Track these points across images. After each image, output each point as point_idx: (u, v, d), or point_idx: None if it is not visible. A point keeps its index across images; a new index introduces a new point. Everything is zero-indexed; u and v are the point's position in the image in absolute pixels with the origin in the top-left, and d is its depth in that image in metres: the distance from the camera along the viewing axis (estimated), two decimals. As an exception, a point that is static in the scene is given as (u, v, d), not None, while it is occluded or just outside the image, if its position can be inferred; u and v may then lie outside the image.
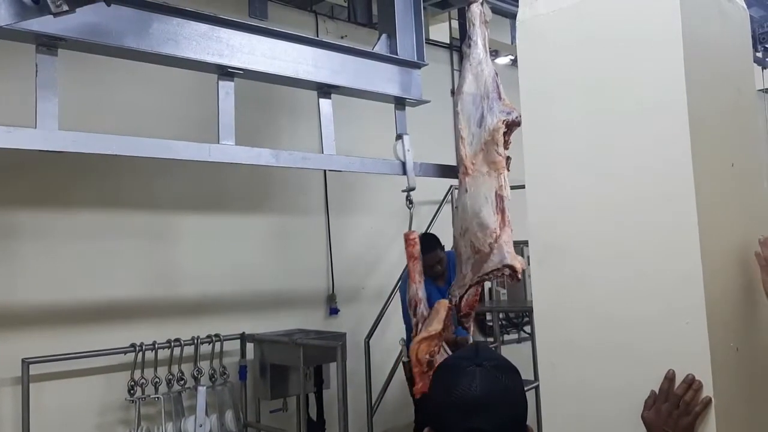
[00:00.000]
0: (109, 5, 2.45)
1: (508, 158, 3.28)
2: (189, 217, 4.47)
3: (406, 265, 3.52)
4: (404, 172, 3.64)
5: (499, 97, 3.30)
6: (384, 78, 3.66)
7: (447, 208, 5.67)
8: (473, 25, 3.44)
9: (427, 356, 3.15)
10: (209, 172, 4.36)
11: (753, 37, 6.52)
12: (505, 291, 5.82)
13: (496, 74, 3.37)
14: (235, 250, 4.65)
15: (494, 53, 7.19)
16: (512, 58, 6.33)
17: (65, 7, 2.19)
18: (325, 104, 3.50)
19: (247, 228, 4.75)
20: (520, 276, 3.20)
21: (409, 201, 3.61)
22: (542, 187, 1.87)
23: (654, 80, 1.65)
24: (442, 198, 5.48)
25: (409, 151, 3.63)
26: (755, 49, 6.72)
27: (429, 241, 4.42)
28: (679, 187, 1.58)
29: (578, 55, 1.80)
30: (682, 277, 1.58)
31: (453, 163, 3.71)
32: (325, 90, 3.49)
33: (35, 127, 2.53)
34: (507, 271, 3.20)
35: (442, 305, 3.37)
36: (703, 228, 1.56)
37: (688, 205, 1.57)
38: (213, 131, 3.04)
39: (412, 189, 3.62)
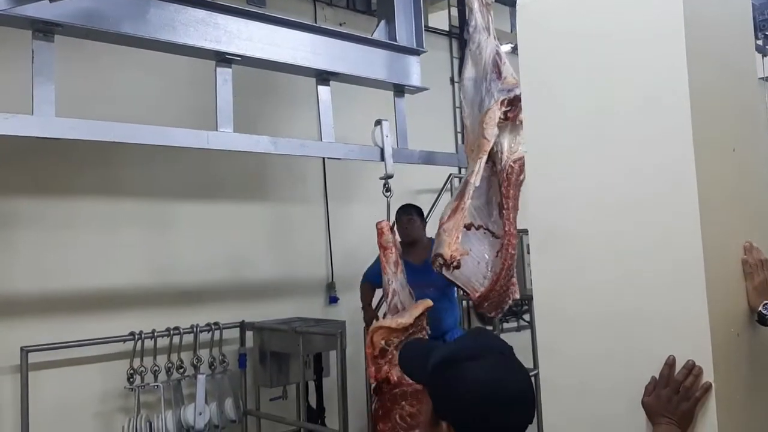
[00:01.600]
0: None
1: None
2: (188, 205, 4.46)
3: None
4: (382, 159, 3.53)
5: (499, 77, 3.22)
6: (383, 65, 3.65)
7: (447, 197, 5.66)
8: (471, 9, 3.40)
9: (383, 342, 3.08)
10: (208, 160, 4.35)
11: (753, 24, 6.47)
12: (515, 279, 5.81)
13: (498, 54, 3.29)
14: (234, 238, 4.64)
15: (496, 41, 7.12)
16: (512, 45, 6.30)
17: (61, -8, 2.17)
18: (324, 91, 3.49)
19: (246, 216, 4.73)
20: (455, 265, 3.03)
21: (387, 189, 3.50)
22: (542, 174, 1.86)
23: (656, 66, 1.63)
24: (441, 186, 5.46)
25: (387, 137, 3.50)
26: (755, 37, 6.69)
27: (406, 205, 4.41)
28: (681, 172, 1.57)
29: (580, 41, 1.78)
30: (683, 263, 1.56)
31: (452, 150, 3.70)
32: (323, 77, 3.47)
33: (32, 114, 2.52)
34: (440, 261, 3.07)
35: (423, 305, 3.26)
36: (704, 215, 1.55)
37: (690, 193, 1.56)
38: (211, 119, 3.03)
39: (390, 176, 3.50)
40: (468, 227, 3.16)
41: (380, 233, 3.38)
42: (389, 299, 3.28)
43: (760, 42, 7.13)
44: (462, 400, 1.28)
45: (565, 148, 1.80)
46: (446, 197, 5.65)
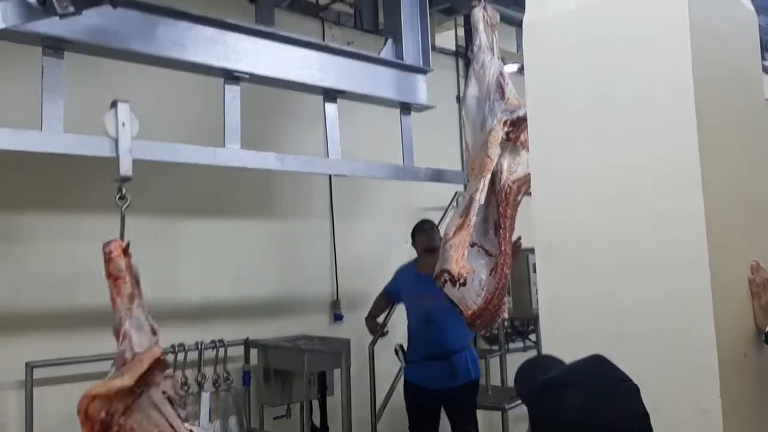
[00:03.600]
0: (115, 7, 2.46)
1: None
2: (193, 221, 4.47)
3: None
4: (115, 153, 2.65)
5: (502, 97, 3.26)
6: (389, 83, 3.66)
7: (451, 214, 5.66)
8: (476, 29, 3.43)
9: (103, 414, 2.15)
10: (215, 176, 4.35)
11: (760, 44, 6.49)
12: (510, 299, 5.79)
13: (502, 74, 3.34)
14: (239, 254, 4.64)
15: (501, 61, 7.17)
16: (519, 66, 6.33)
17: (71, 9, 2.19)
18: (331, 109, 3.50)
19: (252, 233, 4.74)
20: (462, 282, 3.01)
21: (120, 196, 2.68)
22: (548, 187, 1.86)
23: (662, 82, 1.64)
24: (447, 204, 5.46)
25: (124, 125, 2.63)
26: (762, 58, 6.70)
27: (421, 225, 4.42)
28: (688, 191, 1.57)
29: (585, 57, 1.79)
30: (690, 282, 1.56)
31: (458, 168, 3.70)
32: (330, 94, 3.49)
33: (41, 129, 2.53)
34: (446, 276, 3.05)
35: (149, 358, 2.34)
36: (711, 235, 1.55)
37: (697, 212, 1.56)
38: (219, 135, 3.04)
39: (126, 179, 2.71)
40: (472, 245, 3.17)
41: (108, 259, 2.53)
42: (119, 343, 2.42)
43: (767, 63, 7.14)
44: (553, 428, 1.22)
45: (570, 161, 1.80)
46: (451, 214, 5.66)
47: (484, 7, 3.46)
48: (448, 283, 3.06)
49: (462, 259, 3.04)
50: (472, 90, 3.37)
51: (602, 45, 1.76)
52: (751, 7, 1.96)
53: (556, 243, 1.81)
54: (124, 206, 2.69)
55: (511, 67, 6.73)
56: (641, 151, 1.65)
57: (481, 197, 3.11)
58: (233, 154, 3.05)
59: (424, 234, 4.37)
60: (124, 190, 2.66)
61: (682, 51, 1.60)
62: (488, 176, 3.14)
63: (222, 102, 3.07)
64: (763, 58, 6.82)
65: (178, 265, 4.36)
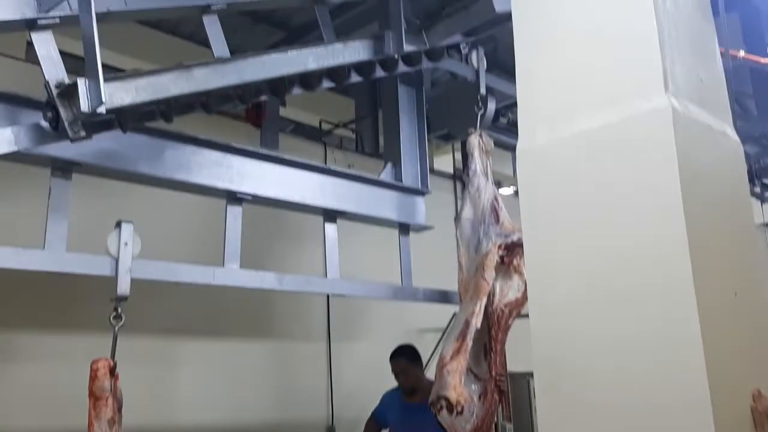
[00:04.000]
0: (125, 132, 2.56)
1: (526, 283, 3.22)
2: (189, 341, 4.40)
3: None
4: (115, 273, 2.67)
5: (497, 221, 3.33)
6: (388, 204, 3.75)
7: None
8: (472, 155, 3.55)
9: None
10: (213, 295, 4.34)
11: (750, 171, 6.68)
12: (511, 426, 5.59)
13: (496, 199, 3.42)
14: (234, 376, 4.53)
15: (497, 184, 7.36)
16: (515, 189, 6.49)
17: (83, 134, 2.29)
18: (331, 229, 3.56)
19: (247, 353, 4.66)
20: (459, 410, 2.95)
21: (116, 315, 2.70)
22: (545, 313, 1.86)
23: (652, 206, 1.68)
24: (445, 325, 5.40)
25: (127, 245, 2.67)
26: (753, 184, 6.87)
27: (396, 349, 4.18)
28: (684, 318, 1.57)
29: (577, 183, 1.84)
30: (691, 409, 1.52)
31: (456, 289, 3.70)
32: (330, 215, 3.56)
33: (43, 248, 2.56)
34: (443, 403, 2.98)
35: None
36: (710, 363, 1.53)
37: (695, 339, 1.55)
38: (217, 253, 3.07)
39: (123, 298, 2.70)
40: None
41: (93, 377, 2.51)
42: None
43: (758, 189, 7.32)
44: None
45: (565, 285, 1.81)
46: (451, 337, 5.58)
47: (480, 135, 3.60)
48: (445, 410, 2.97)
49: (460, 385, 2.98)
50: (467, 212, 3.44)
51: (593, 172, 1.82)
52: (737, 138, 2.04)
53: (555, 372, 1.78)
54: (118, 326, 2.70)
55: (507, 190, 6.90)
56: (635, 278, 1.67)
57: (477, 321, 3.10)
58: (232, 274, 3.06)
59: (395, 360, 4.07)
60: (120, 309, 2.69)
61: (671, 180, 1.65)
62: (484, 299, 3.15)
63: (223, 222, 3.12)
64: (753, 185, 7.00)
65: (172, 386, 4.25)
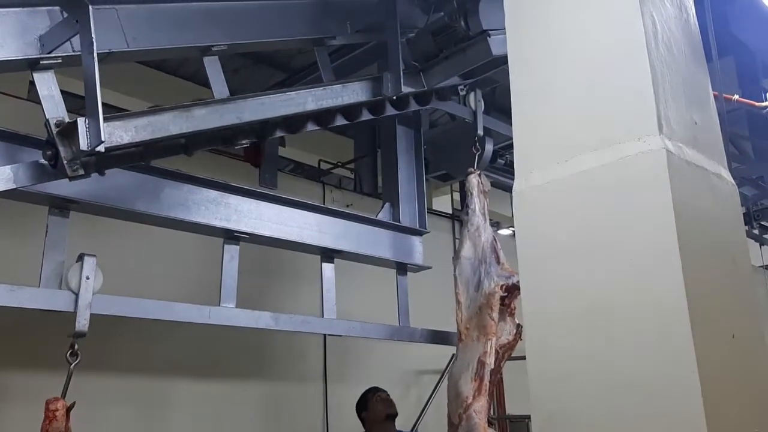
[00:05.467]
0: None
1: (519, 326, 3.24)
2: (184, 382, 4.34)
3: None
4: (74, 310, 2.55)
5: (498, 262, 3.34)
6: (386, 244, 3.75)
7: (450, 378, 5.52)
8: (471, 194, 3.58)
9: None
10: (209, 334, 4.30)
11: (747, 214, 6.71)
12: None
13: (495, 240, 3.43)
14: (228, 418, 4.46)
15: (495, 225, 7.40)
16: (513, 229, 6.49)
17: (81, 172, 2.30)
18: (328, 268, 3.55)
19: (242, 395, 4.59)
20: None
21: (72, 352, 2.59)
22: (542, 354, 1.84)
23: (647, 248, 1.68)
24: (444, 367, 5.34)
25: (88, 278, 2.57)
26: (749, 225, 6.88)
27: (375, 390, 4.07)
28: (679, 349, 1.55)
29: (573, 224, 1.85)
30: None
31: (454, 329, 3.67)
32: (328, 254, 3.55)
33: (38, 286, 2.55)
34: None
35: None
36: (708, 406, 1.51)
37: (692, 384, 1.52)
38: (212, 292, 3.05)
39: (81, 335, 2.59)
40: None
41: (51, 417, 2.40)
42: None
43: (756, 231, 7.33)
44: None
45: (563, 325, 1.80)
46: (449, 378, 5.51)
47: (479, 175, 3.62)
48: None
49: (486, 427, 3.00)
50: (467, 251, 3.44)
51: (589, 213, 1.82)
52: (732, 180, 2.05)
53: (552, 415, 1.75)
54: (74, 363, 2.58)
55: (505, 231, 6.92)
56: (633, 321, 1.66)
57: (491, 361, 3.12)
58: (228, 313, 3.04)
59: (381, 401, 3.95)
60: (76, 347, 2.57)
61: (666, 220, 1.65)
62: (493, 339, 3.17)
63: (220, 261, 3.11)
64: (751, 227, 7.01)
65: (167, 427, 4.18)
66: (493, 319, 3.18)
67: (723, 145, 2.13)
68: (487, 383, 3.09)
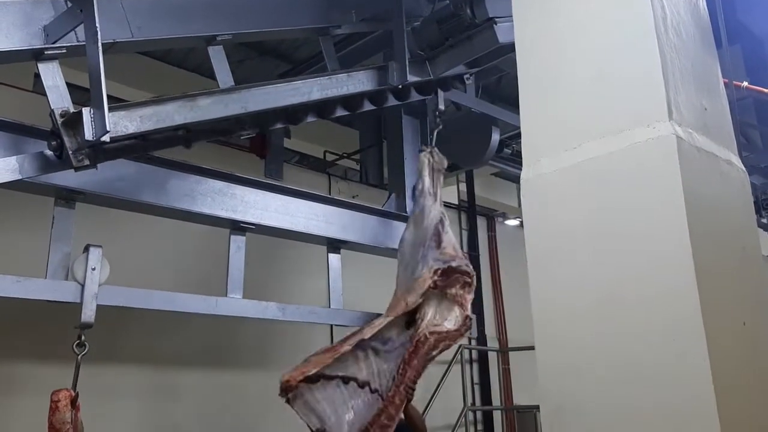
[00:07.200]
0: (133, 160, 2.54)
1: (467, 317, 2.97)
2: (191, 373, 4.35)
3: None
4: (80, 300, 2.56)
5: (438, 245, 3.09)
6: (392, 234, 3.73)
7: (456, 368, 5.52)
8: (421, 174, 3.32)
9: None
10: (215, 326, 4.31)
11: (756, 203, 6.66)
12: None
13: (442, 222, 3.19)
14: (235, 409, 4.47)
15: (502, 216, 7.37)
16: (520, 220, 6.47)
17: (87, 162, 2.29)
18: (334, 259, 3.54)
19: (248, 386, 4.59)
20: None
21: (79, 343, 2.57)
22: (551, 344, 1.83)
23: (657, 234, 1.66)
24: (451, 358, 5.34)
25: (94, 269, 2.59)
26: (758, 215, 6.84)
27: None
28: (689, 338, 1.54)
29: (582, 212, 1.83)
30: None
31: (461, 320, 3.65)
32: (334, 245, 3.54)
33: (45, 278, 2.55)
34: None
35: None
36: (719, 395, 1.49)
37: (704, 371, 1.51)
38: (220, 284, 3.05)
39: (87, 326, 2.59)
40: (362, 384, 2.90)
41: (54, 408, 2.38)
42: None
43: (765, 220, 7.28)
44: None
45: (572, 315, 1.78)
46: (456, 369, 5.51)
47: (431, 152, 3.41)
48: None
49: (300, 373, 2.90)
50: (409, 235, 3.24)
51: (597, 200, 1.80)
52: (742, 166, 2.03)
53: (561, 405, 1.74)
54: (81, 354, 2.57)
55: (512, 222, 6.89)
56: (642, 308, 1.64)
57: (368, 333, 2.88)
58: (235, 304, 3.04)
59: None
60: (83, 337, 2.56)
61: (675, 206, 1.63)
62: (391, 318, 2.95)
63: (227, 251, 3.11)
64: (760, 216, 6.97)
65: (174, 419, 4.19)
66: (407, 302, 2.96)
67: (733, 131, 2.10)
68: (345, 347, 2.83)
